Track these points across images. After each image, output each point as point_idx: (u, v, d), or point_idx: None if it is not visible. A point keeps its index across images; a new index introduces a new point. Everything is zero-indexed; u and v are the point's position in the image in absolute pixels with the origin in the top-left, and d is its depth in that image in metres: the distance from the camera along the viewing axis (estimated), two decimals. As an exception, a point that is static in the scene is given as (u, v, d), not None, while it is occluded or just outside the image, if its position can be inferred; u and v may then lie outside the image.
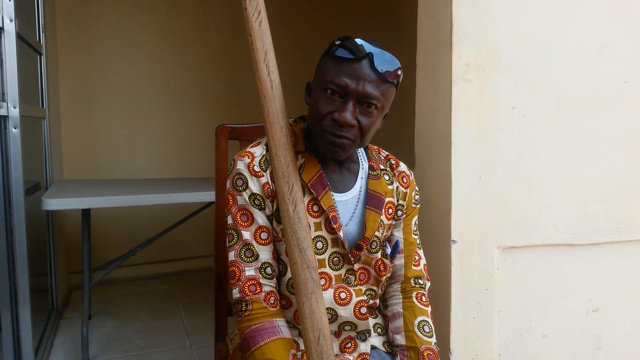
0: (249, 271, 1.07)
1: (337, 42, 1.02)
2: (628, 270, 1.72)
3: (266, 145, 1.11)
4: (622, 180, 1.66)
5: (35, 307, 2.13)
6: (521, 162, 1.58)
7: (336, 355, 1.13)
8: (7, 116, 1.88)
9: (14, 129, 1.90)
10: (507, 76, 1.54)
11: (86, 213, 2.33)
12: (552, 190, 1.61)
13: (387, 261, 1.16)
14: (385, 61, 1.00)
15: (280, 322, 1.06)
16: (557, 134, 1.60)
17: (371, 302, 1.17)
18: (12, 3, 1.89)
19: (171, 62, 3.61)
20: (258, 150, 1.10)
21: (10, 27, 1.88)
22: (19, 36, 1.97)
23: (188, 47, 3.65)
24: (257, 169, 1.08)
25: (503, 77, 1.54)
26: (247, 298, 1.06)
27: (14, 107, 1.90)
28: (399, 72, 1.04)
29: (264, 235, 1.09)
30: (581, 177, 1.63)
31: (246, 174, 1.08)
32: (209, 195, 2.36)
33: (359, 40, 1.00)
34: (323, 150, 1.06)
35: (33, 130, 2.44)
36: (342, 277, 1.11)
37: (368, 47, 1.00)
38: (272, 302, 1.08)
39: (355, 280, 1.12)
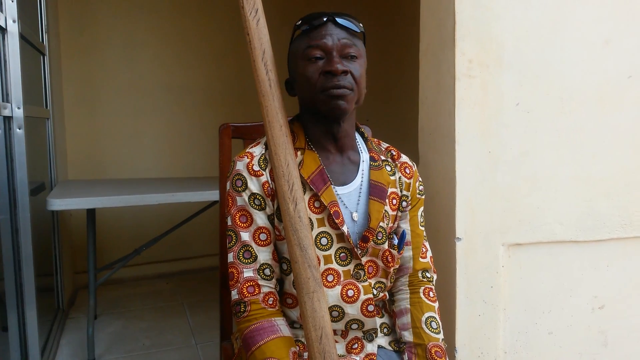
0: (247, 272, 1.07)
1: (299, 22, 1.10)
2: (634, 266, 1.71)
3: (265, 144, 1.11)
4: (627, 176, 1.65)
5: (41, 307, 2.14)
6: (525, 158, 1.57)
7: (343, 356, 1.13)
8: (12, 117, 1.89)
9: (18, 130, 1.91)
10: (510, 72, 1.53)
11: (91, 213, 2.34)
12: (557, 187, 1.60)
13: (394, 252, 1.15)
14: (346, 19, 1.07)
15: (279, 321, 1.06)
16: (562, 130, 1.59)
17: (381, 294, 1.16)
18: (15, 4, 1.89)
19: (174, 61, 3.62)
20: (257, 150, 1.11)
21: (13, 28, 1.88)
22: (22, 37, 1.97)
23: (190, 47, 3.65)
24: (256, 168, 1.08)
25: (507, 74, 1.53)
26: (246, 299, 1.06)
27: (18, 108, 1.90)
28: (361, 25, 1.11)
29: (263, 237, 1.09)
30: (586, 173, 1.62)
31: (245, 174, 1.08)
32: (213, 194, 2.36)
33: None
34: (326, 110, 1.05)
35: (37, 131, 2.45)
36: (351, 272, 1.11)
37: (326, 13, 1.07)
38: (271, 302, 1.08)
39: (364, 275, 1.12)
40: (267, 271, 1.09)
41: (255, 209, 1.08)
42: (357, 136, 1.21)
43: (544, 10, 1.54)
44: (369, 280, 1.13)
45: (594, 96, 1.60)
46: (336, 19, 1.06)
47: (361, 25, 1.11)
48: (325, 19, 1.06)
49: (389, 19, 4.08)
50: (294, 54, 1.11)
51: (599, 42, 1.59)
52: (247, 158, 1.09)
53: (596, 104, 1.61)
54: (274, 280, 1.10)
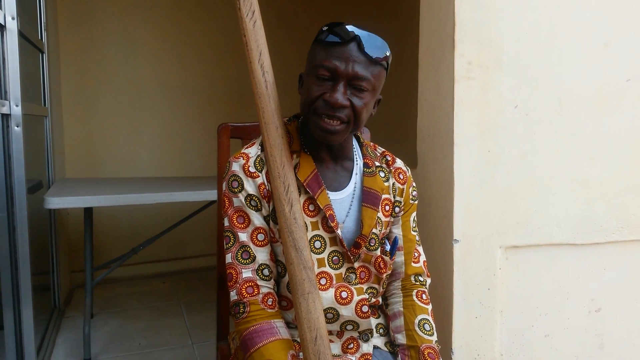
0: (246, 273, 1.07)
1: (325, 28, 1.03)
2: (631, 269, 1.71)
3: (261, 145, 1.11)
4: (625, 179, 1.66)
5: (38, 305, 2.13)
6: (524, 160, 1.57)
7: (339, 356, 1.13)
8: (10, 114, 1.88)
9: (16, 128, 1.90)
10: (509, 74, 1.54)
11: (88, 211, 2.33)
12: (555, 189, 1.60)
13: (387, 258, 1.15)
14: (374, 44, 1.02)
15: (279, 323, 1.06)
16: (560, 132, 1.59)
17: (373, 300, 1.17)
18: (14, 1, 1.88)
19: (173, 60, 3.61)
20: (252, 151, 1.11)
21: (12, 25, 1.88)
22: (20, 34, 1.97)
23: (189, 45, 3.65)
24: (252, 169, 1.08)
25: (506, 76, 1.53)
26: (245, 300, 1.06)
27: (16, 106, 1.90)
28: (388, 53, 1.05)
29: (260, 237, 1.09)
30: (584, 176, 1.62)
31: (241, 175, 1.08)
32: (211, 194, 2.36)
33: (346, 25, 1.02)
34: (316, 135, 1.06)
35: (35, 129, 2.44)
36: (343, 275, 1.11)
37: (356, 30, 1.01)
38: (270, 303, 1.07)
39: (356, 278, 1.12)
40: (266, 271, 1.08)
41: (251, 209, 1.08)
42: (354, 141, 1.20)
43: (544, 13, 1.54)
44: (360, 285, 1.13)
45: (592, 99, 1.60)
46: (362, 42, 1.00)
47: (388, 52, 1.04)
48: (348, 39, 1.00)
49: (388, 21, 4.08)
50: (309, 61, 1.06)
51: (597, 45, 1.60)
52: (243, 159, 1.09)
53: (595, 107, 1.61)
54: (272, 280, 1.10)
